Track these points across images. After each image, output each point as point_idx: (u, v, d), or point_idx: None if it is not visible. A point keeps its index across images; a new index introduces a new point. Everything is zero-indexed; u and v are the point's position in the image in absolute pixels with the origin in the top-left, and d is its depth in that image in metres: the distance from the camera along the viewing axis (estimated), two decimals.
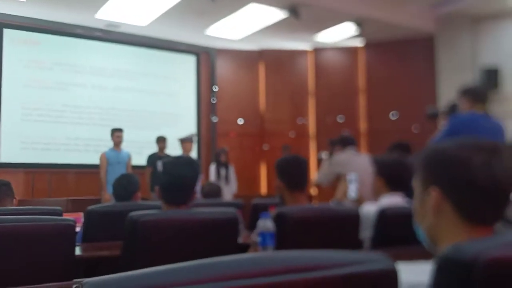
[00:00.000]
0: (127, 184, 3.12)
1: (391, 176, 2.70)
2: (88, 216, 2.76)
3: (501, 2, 7.77)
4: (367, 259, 0.81)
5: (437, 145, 1.18)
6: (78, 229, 2.93)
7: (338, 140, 4.74)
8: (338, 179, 4.28)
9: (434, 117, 3.66)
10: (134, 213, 1.85)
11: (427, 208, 1.15)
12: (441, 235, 1.13)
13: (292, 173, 2.61)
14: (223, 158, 7.29)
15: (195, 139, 7.03)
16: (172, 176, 2.16)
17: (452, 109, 3.44)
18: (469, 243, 0.89)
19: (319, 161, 7.10)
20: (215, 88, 9.47)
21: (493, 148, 1.10)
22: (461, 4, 7.92)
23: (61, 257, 1.87)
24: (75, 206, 6.41)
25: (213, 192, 4.00)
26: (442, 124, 3.38)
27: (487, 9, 8.02)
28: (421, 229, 1.18)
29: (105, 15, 7.54)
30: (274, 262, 0.74)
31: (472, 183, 1.07)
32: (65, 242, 1.88)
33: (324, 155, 5.76)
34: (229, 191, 7.12)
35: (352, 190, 3.28)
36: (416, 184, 1.19)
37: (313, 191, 8.42)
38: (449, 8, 8.09)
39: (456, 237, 1.07)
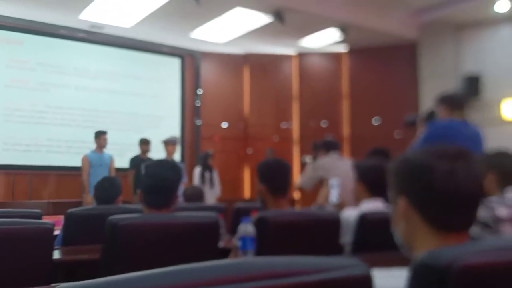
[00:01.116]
0: (109, 187, 3.10)
1: (372, 181, 2.71)
2: (68, 219, 2.74)
3: (484, 11, 7.89)
4: (343, 265, 0.81)
5: (405, 154, 1.18)
6: (58, 232, 2.91)
7: (321, 144, 4.75)
8: (321, 183, 4.29)
9: (412, 124, 3.69)
10: (113, 217, 1.84)
11: (398, 216, 1.16)
12: (414, 242, 1.14)
13: (274, 177, 2.58)
14: (210, 162, 7.27)
15: (178, 141, 7.00)
16: (154, 179, 2.14)
17: (430, 116, 3.48)
18: (444, 250, 0.91)
19: (303, 165, 7.12)
20: (200, 91, 9.46)
21: (457, 155, 1.10)
22: (444, 12, 8.03)
23: (39, 261, 1.85)
24: (56, 208, 6.35)
25: (195, 195, 3.98)
26: (421, 131, 3.41)
27: (469, 17, 8.14)
28: (397, 236, 1.20)
29: (89, 16, 7.49)
30: (249, 268, 0.74)
31: (435, 191, 1.08)
32: (43, 246, 1.86)
33: (307, 159, 5.76)
34: (213, 195, 7.10)
35: (334, 195, 3.29)
36: (390, 191, 1.21)
37: (296, 195, 8.43)
38: (432, 15, 8.20)
39: (428, 245, 1.08)
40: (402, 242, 1.18)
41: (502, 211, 2.02)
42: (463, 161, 1.08)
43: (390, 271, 1.16)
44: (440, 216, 1.09)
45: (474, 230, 2.02)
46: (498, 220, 2.00)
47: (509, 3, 7.55)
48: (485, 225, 2.02)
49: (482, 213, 2.03)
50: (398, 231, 1.18)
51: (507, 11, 7.78)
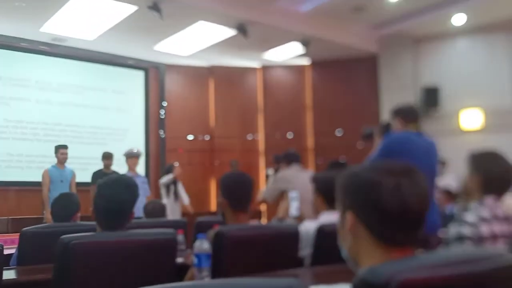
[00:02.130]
0: (66, 204, 3.03)
1: (329, 193, 2.74)
2: (24, 238, 2.68)
3: (441, 24, 8.13)
4: (279, 286, 0.83)
5: (353, 169, 1.20)
6: (14, 250, 2.85)
7: (283, 156, 4.77)
8: (282, 196, 4.31)
9: (369, 137, 3.76)
10: (65, 236, 1.80)
11: (346, 230, 1.18)
12: (360, 257, 1.16)
13: (235, 191, 2.55)
14: (175, 174, 7.19)
15: (139, 154, 6.86)
16: (108, 201, 2.04)
17: (386, 128, 3.55)
18: (383, 266, 0.93)
19: (267, 178, 7.14)
20: (164, 104, 9.41)
21: (404, 171, 1.12)
22: (402, 26, 8.24)
23: None
24: (16, 225, 6.19)
25: (156, 211, 3.90)
26: (377, 143, 3.48)
27: (427, 30, 8.37)
28: (344, 250, 1.22)
29: (51, 29, 7.37)
30: None
31: (381, 207, 1.10)
32: None
33: (269, 171, 5.77)
34: (177, 208, 7.05)
35: (294, 208, 3.31)
36: (338, 205, 1.22)
37: (262, 207, 8.45)
38: (391, 29, 8.39)
39: (373, 259, 1.10)
40: (349, 257, 1.20)
41: (484, 229, 1.99)
42: (408, 177, 1.11)
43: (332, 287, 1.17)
44: (386, 231, 1.11)
45: (461, 246, 2.00)
46: (481, 238, 1.97)
47: (465, 16, 7.81)
48: (471, 241, 1.98)
49: (465, 230, 2.00)
50: (345, 246, 1.20)
51: (464, 24, 8.04)
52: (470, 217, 2.05)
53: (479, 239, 1.98)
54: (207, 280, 1.82)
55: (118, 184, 2.08)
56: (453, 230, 2.05)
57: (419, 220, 1.12)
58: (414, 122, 3.39)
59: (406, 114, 3.39)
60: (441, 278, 0.93)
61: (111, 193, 2.05)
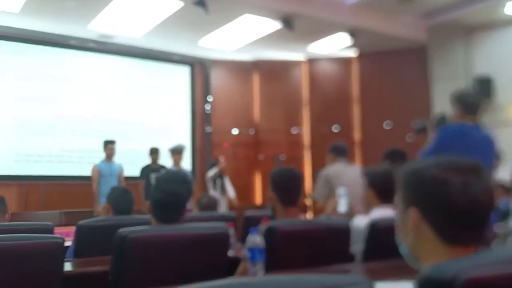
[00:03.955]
0: (128, 198, 3.11)
1: (382, 187, 2.71)
2: (80, 231, 2.75)
3: (493, 12, 7.84)
4: (346, 282, 0.83)
5: (417, 165, 1.17)
6: (70, 243, 2.93)
7: (330, 149, 4.53)
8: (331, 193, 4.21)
9: (422, 131, 3.64)
10: (123, 230, 1.84)
11: (408, 227, 1.15)
12: (422, 254, 1.14)
13: (285, 186, 2.60)
14: (220, 167, 7.24)
15: (184, 150, 6.91)
16: (165, 194, 2.10)
17: (441, 121, 3.43)
18: (449, 263, 0.92)
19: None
20: (210, 98, 9.49)
21: (471, 169, 1.10)
22: (453, 15, 7.99)
23: (50, 275, 1.85)
24: (69, 218, 6.38)
25: (211, 204, 4.04)
26: (431, 137, 3.37)
27: (479, 19, 8.09)
28: (403, 246, 1.19)
29: (98, 26, 7.54)
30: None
31: (449, 205, 1.08)
32: (54, 260, 1.86)
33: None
34: (224, 201, 7.11)
35: (342, 205, 3.25)
36: (398, 201, 1.20)
37: (308, 202, 8.40)
38: (441, 18, 8.16)
39: (436, 257, 1.08)
40: (410, 254, 1.18)
41: None
42: (476, 174, 1.09)
43: (395, 285, 1.15)
44: (453, 229, 1.09)
45: None
46: None
47: None
48: None
49: None
50: (406, 243, 1.18)
51: None
52: None
53: None
54: (261, 274, 1.82)
55: (175, 179, 2.15)
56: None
57: (486, 218, 1.10)
58: (472, 114, 3.26)
59: (467, 105, 3.26)
60: (508, 276, 0.92)
61: (169, 187, 2.11)
